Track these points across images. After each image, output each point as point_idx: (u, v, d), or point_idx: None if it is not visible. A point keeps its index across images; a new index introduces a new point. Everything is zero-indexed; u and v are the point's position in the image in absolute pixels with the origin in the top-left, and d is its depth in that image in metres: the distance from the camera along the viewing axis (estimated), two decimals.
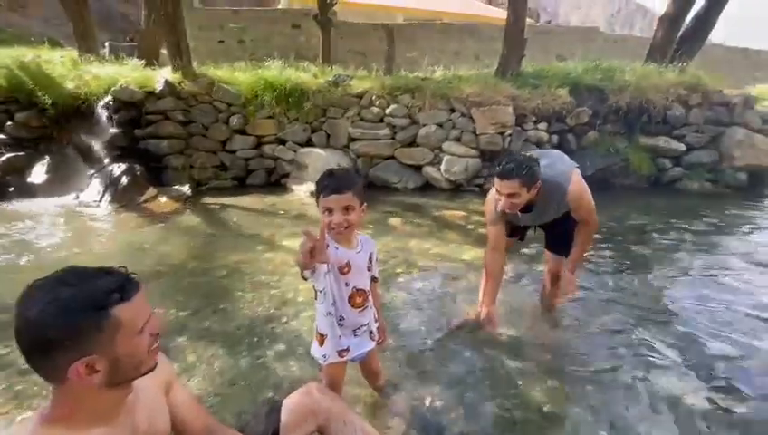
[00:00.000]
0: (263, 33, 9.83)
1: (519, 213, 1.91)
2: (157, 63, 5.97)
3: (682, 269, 3.16)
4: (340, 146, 5.42)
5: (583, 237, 1.98)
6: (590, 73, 5.95)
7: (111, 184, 4.45)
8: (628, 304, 2.59)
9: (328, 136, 5.45)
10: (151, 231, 3.75)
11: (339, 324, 1.39)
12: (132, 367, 0.83)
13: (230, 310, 2.41)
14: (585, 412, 1.70)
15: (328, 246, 1.29)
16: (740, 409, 1.73)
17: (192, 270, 2.94)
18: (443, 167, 5.26)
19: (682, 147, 5.68)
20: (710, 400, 1.78)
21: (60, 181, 4.63)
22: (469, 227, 4.01)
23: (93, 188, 4.50)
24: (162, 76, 5.13)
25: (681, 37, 6.90)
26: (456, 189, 5.30)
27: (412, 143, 5.40)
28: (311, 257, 1.15)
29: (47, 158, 4.74)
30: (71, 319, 0.75)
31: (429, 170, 5.35)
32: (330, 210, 1.29)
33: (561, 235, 2.10)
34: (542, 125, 5.44)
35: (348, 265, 1.34)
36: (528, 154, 1.92)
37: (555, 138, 5.50)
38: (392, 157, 5.42)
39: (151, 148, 4.97)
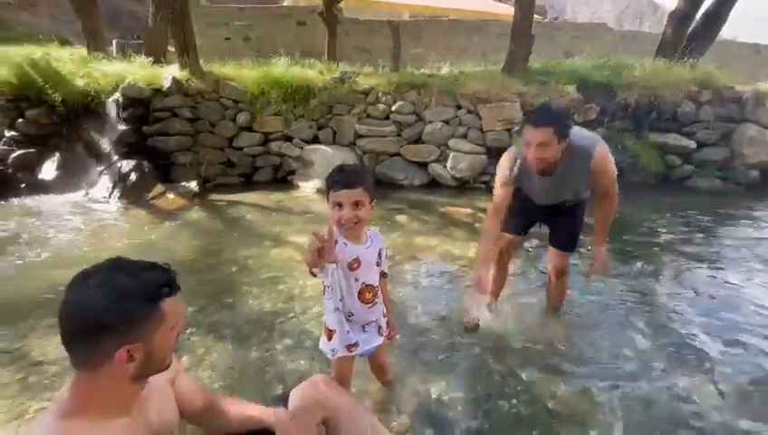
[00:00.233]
0: (268, 30, 9.85)
1: (538, 176, 1.84)
2: (164, 61, 6.00)
3: (691, 267, 3.12)
4: (346, 143, 5.42)
5: (606, 212, 1.93)
6: (598, 70, 5.89)
7: (120, 181, 4.49)
8: (636, 301, 2.57)
9: (334, 133, 5.45)
10: (160, 227, 3.78)
11: (347, 320, 1.39)
12: (159, 360, 0.86)
13: (238, 305, 2.43)
14: (592, 409, 1.69)
15: (337, 241, 1.30)
16: (750, 406, 1.72)
17: (200, 266, 2.97)
18: (449, 164, 5.24)
19: (692, 144, 5.60)
20: (717, 397, 1.76)
21: (70, 178, 4.68)
22: (476, 224, 4.00)
23: (102, 184, 4.55)
24: (170, 73, 5.16)
25: (691, 33, 6.80)
26: (462, 187, 5.28)
27: (418, 140, 5.39)
28: (319, 258, 1.15)
29: (57, 154, 4.79)
30: (128, 306, 0.78)
31: (435, 167, 5.34)
32: (340, 205, 1.29)
33: (566, 229, 2.08)
34: None
35: (357, 260, 1.34)
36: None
37: None
38: (398, 154, 5.41)
39: (159, 145, 5.00)
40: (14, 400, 1.68)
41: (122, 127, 4.88)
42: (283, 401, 1.21)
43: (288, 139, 5.45)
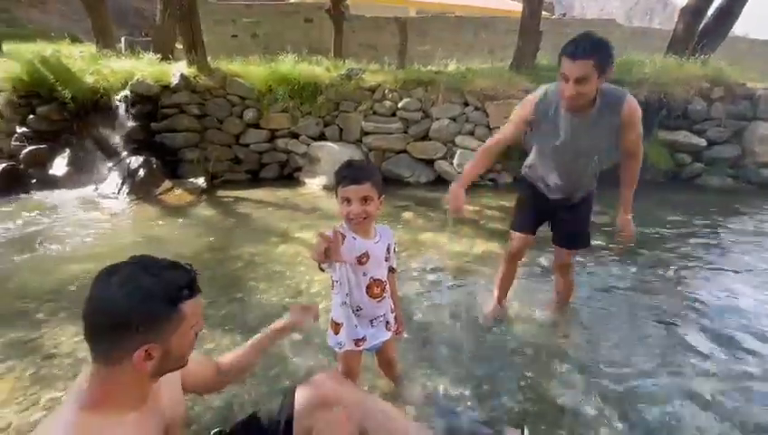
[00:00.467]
0: (276, 27, 9.87)
1: (569, 116, 1.71)
2: (172, 58, 6.04)
3: (700, 265, 3.09)
4: (352, 140, 5.43)
5: (632, 174, 1.87)
6: None
7: (129, 176, 4.54)
8: (644, 298, 2.55)
9: (341, 130, 5.46)
10: (168, 223, 3.82)
11: (356, 314, 1.40)
12: (177, 359, 0.88)
13: (246, 300, 2.45)
14: (599, 405, 1.69)
15: (345, 237, 1.31)
16: (756, 403, 1.70)
17: (208, 261, 2.99)
18: (456, 161, 5.23)
19: (703, 142, 5.53)
20: (726, 394, 1.75)
21: (80, 173, 4.75)
22: (482, 221, 3.99)
23: (112, 180, 4.60)
24: (178, 70, 5.19)
25: (703, 29, 6.70)
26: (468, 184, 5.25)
27: (425, 137, 5.37)
28: (326, 257, 1.17)
29: (67, 150, 4.85)
30: (150, 306, 0.79)
31: (442, 165, 5.32)
32: (348, 201, 1.30)
33: (571, 228, 2.03)
34: None
35: (366, 254, 1.35)
36: None
37: None
38: (404, 151, 5.41)
39: (167, 141, 5.04)
40: (27, 389, 1.71)
41: (131, 123, 4.93)
42: (289, 397, 1.21)
43: (294, 135, 5.46)
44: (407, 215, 4.10)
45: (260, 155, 5.46)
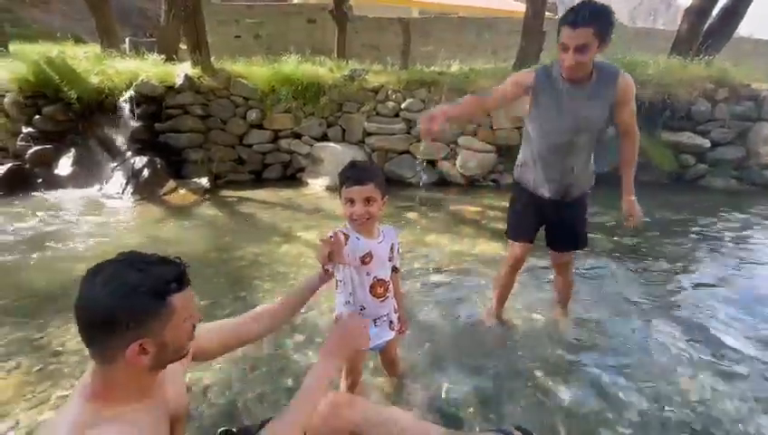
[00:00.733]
0: (279, 27, 9.90)
1: (567, 86, 1.70)
2: (176, 58, 6.08)
3: (704, 266, 3.09)
4: (355, 140, 5.44)
5: (629, 152, 1.88)
6: None
7: (133, 176, 4.57)
8: (647, 299, 2.55)
9: (343, 130, 5.47)
10: (172, 223, 3.84)
11: (359, 314, 1.41)
12: (174, 351, 0.88)
13: (249, 299, 2.47)
14: (601, 406, 1.69)
15: (348, 236, 1.32)
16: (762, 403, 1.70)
17: (212, 261, 3.01)
18: (458, 162, 5.23)
19: (707, 143, 5.50)
20: (730, 394, 1.75)
21: (85, 173, 4.78)
22: (484, 221, 3.99)
23: (116, 180, 4.63)
24: (182, 71, 5.22)
25: (708, 30, 6.67)
26: (471, 184, 5.27)
27: None
28: (329, 260, 1.18)
29: (73, 150, 4.89)
30: (135, 302, 0.79)
31: (445, 165, 5.33)
32: (351, 201, 1.31)
33: (570, 226, 2.00)
34: None
35: (369, 254, 1.36)
36: None
37: None
38: (407, 151, 5.42)
39: (171, 141, 5.07)
40: (35, 387, 1.73)
41: (135, 124, 4.96)
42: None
43: (298, 136, 5.48)
44: (409, 215, 4.11)
45: (263, 155, 5.48)
